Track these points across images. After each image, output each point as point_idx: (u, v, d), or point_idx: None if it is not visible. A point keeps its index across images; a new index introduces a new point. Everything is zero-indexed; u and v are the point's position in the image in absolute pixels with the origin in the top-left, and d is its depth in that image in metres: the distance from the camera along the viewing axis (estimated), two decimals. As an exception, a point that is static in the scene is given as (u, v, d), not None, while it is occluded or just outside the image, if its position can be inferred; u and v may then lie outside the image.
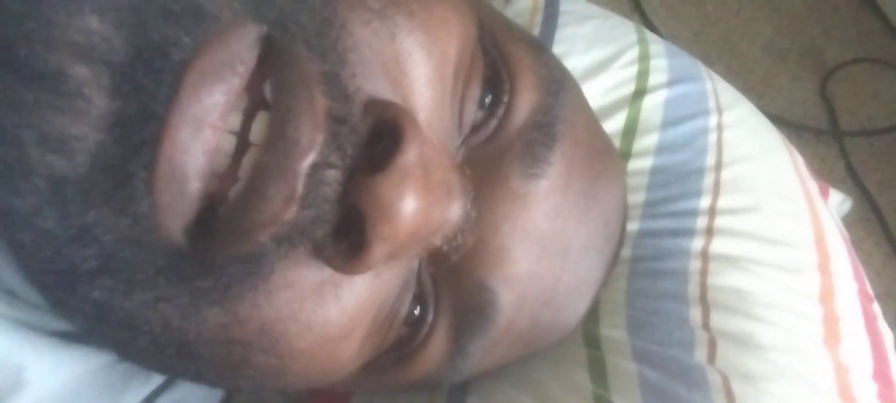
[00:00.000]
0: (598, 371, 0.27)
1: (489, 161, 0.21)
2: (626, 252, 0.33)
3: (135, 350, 0.18)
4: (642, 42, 0.42)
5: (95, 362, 0.22)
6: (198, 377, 0.19)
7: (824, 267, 0.33)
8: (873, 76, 0.80)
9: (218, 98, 0.15)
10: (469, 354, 0.22)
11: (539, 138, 0.21)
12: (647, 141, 0.37)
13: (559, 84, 0.23)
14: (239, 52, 0.15)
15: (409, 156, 0.16)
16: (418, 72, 0.18)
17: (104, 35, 0.14)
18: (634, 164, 0.37)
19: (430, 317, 0.21)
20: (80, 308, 0.17)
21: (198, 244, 0.16)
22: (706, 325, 0.29)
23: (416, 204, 0.16)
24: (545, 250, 0.22)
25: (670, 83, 0.39)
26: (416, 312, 0.21)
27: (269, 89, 0.16)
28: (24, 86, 0.14)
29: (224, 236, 0.16)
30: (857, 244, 0.41)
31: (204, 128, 0.15)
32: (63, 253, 0.15)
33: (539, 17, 0.41)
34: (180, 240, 0.16)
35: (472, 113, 0.21)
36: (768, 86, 0.79)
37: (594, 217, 0.23)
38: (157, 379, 0.24)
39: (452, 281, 0.21)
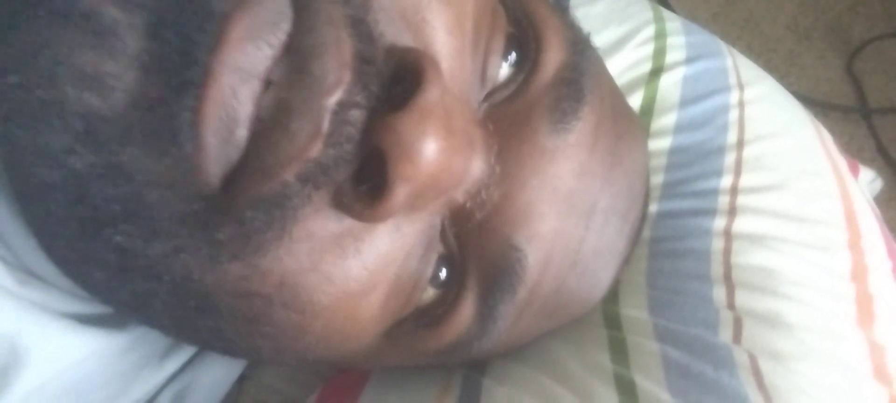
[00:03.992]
0: (619, 350, 0.26)
1: (515, 116, 0.20)
2: (646, 233, 0.32)
3: (154, 306, 0.18)
4: (658, 19, 0.40)
5: (107, 348, 0.22)
6: (216, 335, 0.19)
7: (855, 245, 0.32)
8: (903, 52, 0.77)
9: (266, 51, 0.15)
10: (499, 316, 0.21)
11: (568, 93, 0.21)
12: (665, 120, 0.36)
13: (584, 43, 0.23)
14: (283, 6, 0.15)
15: (431, 95, 0.16)
16: (438, 21, 0.18)
17: None
18: (652, 145, 0.36)
19: (458, 280, 0.21)
20: (101, 257, 0.17)
21: (227, 187, 0.16)
22: (731, 305, 0.28)
23: (437, 145, 0.16)
24: (572, 207, 0.21)
25: (688, 60, 0.38)
26: (443, 274, 0.21)
27: (295, 29, 0.15)
28: (60, 26, 0.14)
29: (248, 176, 0.15)
30: (889, 224, 0.39)
31: (252, 78, 0.15)
32: (89, 194, 0.15)
33: (551, -1, 0.41)
34: (215, 187, 0.15)
35: (495, 68, 0.21)
36: (792, 65, 0.77)
37: (618, 177, 0.23)
38: (167, 371, 0.24)
39: (478, 239, 0.20)
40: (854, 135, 0.73)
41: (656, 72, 0.38)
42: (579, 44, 0.22)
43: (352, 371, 0.29)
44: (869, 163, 0.67)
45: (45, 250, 0.19)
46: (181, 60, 0.14)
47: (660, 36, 0.39)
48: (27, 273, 0.20)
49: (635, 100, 0.37)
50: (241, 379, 0.30)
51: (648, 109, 0.37)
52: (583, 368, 0.26)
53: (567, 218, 0.21)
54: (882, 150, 0.71)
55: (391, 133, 0.16)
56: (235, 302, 0.17)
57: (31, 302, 0.20)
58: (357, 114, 0.16)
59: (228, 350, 0.21)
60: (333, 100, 0.15)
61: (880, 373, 0.27)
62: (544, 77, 0.21)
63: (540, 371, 0.26)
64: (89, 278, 0.18)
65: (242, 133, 0.15)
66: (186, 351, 0.26)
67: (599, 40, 0.39)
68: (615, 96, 0.25)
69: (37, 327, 0.20)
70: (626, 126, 0.24)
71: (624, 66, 0.38)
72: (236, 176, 0.15)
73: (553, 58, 0.21)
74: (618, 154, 0.23)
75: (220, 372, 0.28)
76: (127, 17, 0.14)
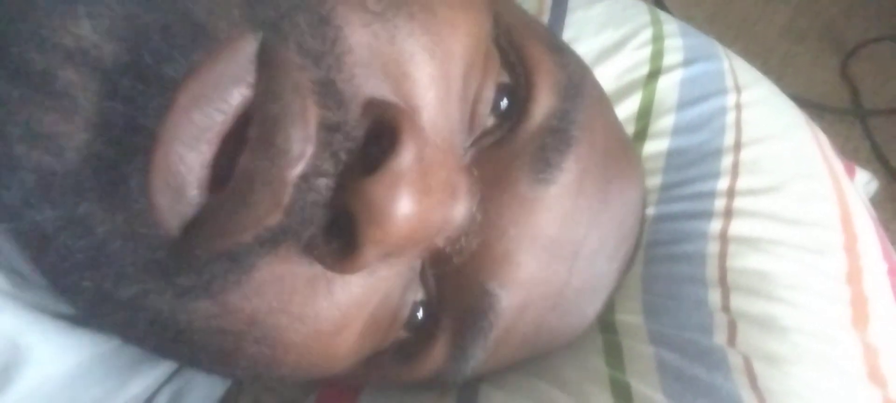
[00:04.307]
0: (615, 355, 0.27)
1: (498, 163, 0.20)
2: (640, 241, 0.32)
3: (134, 334, 0.18)
4: (656, 22, 0.41)
5: (103, 347, 0.22)
6: (195, 363, 0.20)
7: (851, 247, 0.32)
8: (898, 54, 0.78)
9: (216, 118, 0.14)
10: (470, 357, 0.21)
11: (553, 143, 0.21)
12: (662, 122, 0.36)
13: (577, 87, 0.22)
14: (236, 73, 0.15)
15: (405, 158, 0.16)
16: (420, 73, 0.18)
17: (96, 42, 0.14)
18: (650, 147, 0.36)
19: (434, 320, 0.21)
20: (78, 294, 0.17)
21: (186, 236, 0.16)
22: (726, 308, 0.28)
23: (410, 208, 0.16)
24: (553, 255, 0.21)
25: (686, 63, 0.38)
26: (420, 313, 0.21)
27: (260, 93, 0.15)
28: (12, 84, 0.14)
29: (206, 232, 0.15)
30: (885, 224, 0.39)
31: (201, 144, 0.14)
32: (53, 245, 0.15)
33: (548, 2, 0.41)
34: (175, 235, 0.15)
35: (484, 114, 0.20)
36: (787, 66, 0.77)
37: (606, 221, 0.23)
38: (164, 368, 0.25)
39: (455, 283, 0.20)
40: (849, 137, 0.73)
41: (654, 74, 0.38)
42: (572, 88, 0.22)
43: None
44: (864, 164, 0.67)
45: (35, 266, 0.19)
46: (130, 126, 0.14)
47: (657, 39, 0.40)
48: (22, 277, 0.20)
49: (633, 103, 0.37)
50: (240, 380, 0.30)
51: (646, 111, 0.37)
52: (578, 372, 0.26)
53: (547, 265, 0.21)
54: (877, 152, 0.71)
55: (360, 198, 0.16)
56: (208, 337, 0.18)
57: (27, 303, 0.20)
58: (324, 182, 0.16)
59: (208, 372, 0.21)
60: (296, 172, 0.15)
61: (874, 375, 0.27)
62: (532, 124, 0.21)
63: (536, 375, 0.26)
64: (73, 302, 0.19)
65: (194, 193, 0.15)
66: None
67: (597, 43, 0.39)
68: (609, 136, 0.24)
69: (36, 326, 0.20)
70: (619, 167, 0.24)
71: (621, 69, 0.38)
72: (195, 226, 0.15)
73: (542, 105, 0.21)
74: (606, 198, 0.22)
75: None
76: (82, 80, 0.14)
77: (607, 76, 0.38)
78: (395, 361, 0.22)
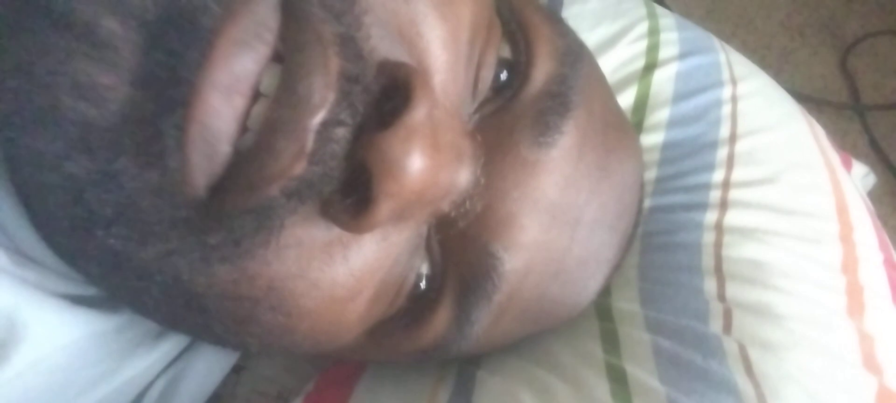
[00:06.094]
0: (611, 341, 0.27)
1: (501, 128, 0.21)
2: (638, 228, 0.33)
3: (146, 302, 0.19)
4: (651, 16, 0.41)
5: (101, 327, 0.22)
6: (206, 331, 0.20)
7: (847, 237, 0.32)
8: (896, 49, 0.78)
9: (249, 66, 0.15)
10: (474, 321, 0.22)
11: (552, 107, 0.21)
12: (658, 115, 0.37)
13: (576, 55, 0.23)
14: (266, 18, 0.15)
15: (418, 113, 0.16)
16: (433, 34, 0.18)
17: None
18: (646, 140, 0.36)
19: (438, 284, 0.21)
20: (95, 256, 0.17)
21: (213, 197, 0.16)
22: (721, 296, 0.28)
23: (422, 163, 0.16)
24: (554, 220, 0.21)
25: (681, 56, 0.39)
26: (425, 278, 0.21)
27: (283, 46, 0.16)
28: (59, 35, 0.14)
29: (234, 187, 0.16)
30: (883, 219, 0.39)
31: (235, 95, 0.15)
32: (84, 198, 0.16)
33: (545, -4, 0.41)
34: (202, 195, 0.16)
35: (487, 80, 0.21)
36: (786, 61, 0.77)
37: (607, 190, 0.23)
38: (162, 351, 0.25)
39: (459, 247, 0.21)
40: (848, 132, 0.73)
41: (649, 67, 0.38)
42: (570, 55, 0.22)
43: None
44: (862, 158, 0.67)
45: (43, 239, 0.19)
46: (169, 77, 0.15)
47: (653, 32, 0.40)
48: (22, 255, 0.21)
49: (629, 96, 0.37)
50: (238, 369, 0.31)
51: (642, 104, 0.37)
52: (575, 358, 0.26)
53: (549, 229, 0.21)
54: (875, 146, 0.71)
55: (376, 151, 0.16)
56: (224, 303, 0.18)
57: (26, 281, 0.20)
58: (341, 132, 0.16)
59: (218, 343, 0.21)
60: (317, 120, 0.15)
61: (870, 363, 0.27)
62: (532, 89, 0.21)
63: (533, 362, 0.27)
64: (85, 270, 0.19)
65: (226, 149, 0.15)
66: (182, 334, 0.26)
67: (593, 37, 0.39)
68: (608, 108, 0.25)
69: (34, 304, 0.20)
70: (618, 138, 0.24)
71: (617, 62, 0.39)
72: (222, 185, 0.16)
73: (542, 70, 0.21)
74: (607, 167, 0.23)
75: (214, 361, 0.28)
76: (125, 31, 0.14)
77: (603, 70, 0.38)
78: (399, 328, 0.22)
